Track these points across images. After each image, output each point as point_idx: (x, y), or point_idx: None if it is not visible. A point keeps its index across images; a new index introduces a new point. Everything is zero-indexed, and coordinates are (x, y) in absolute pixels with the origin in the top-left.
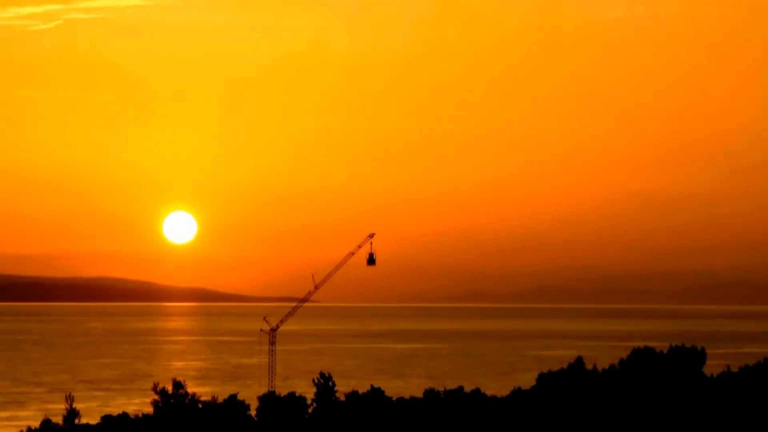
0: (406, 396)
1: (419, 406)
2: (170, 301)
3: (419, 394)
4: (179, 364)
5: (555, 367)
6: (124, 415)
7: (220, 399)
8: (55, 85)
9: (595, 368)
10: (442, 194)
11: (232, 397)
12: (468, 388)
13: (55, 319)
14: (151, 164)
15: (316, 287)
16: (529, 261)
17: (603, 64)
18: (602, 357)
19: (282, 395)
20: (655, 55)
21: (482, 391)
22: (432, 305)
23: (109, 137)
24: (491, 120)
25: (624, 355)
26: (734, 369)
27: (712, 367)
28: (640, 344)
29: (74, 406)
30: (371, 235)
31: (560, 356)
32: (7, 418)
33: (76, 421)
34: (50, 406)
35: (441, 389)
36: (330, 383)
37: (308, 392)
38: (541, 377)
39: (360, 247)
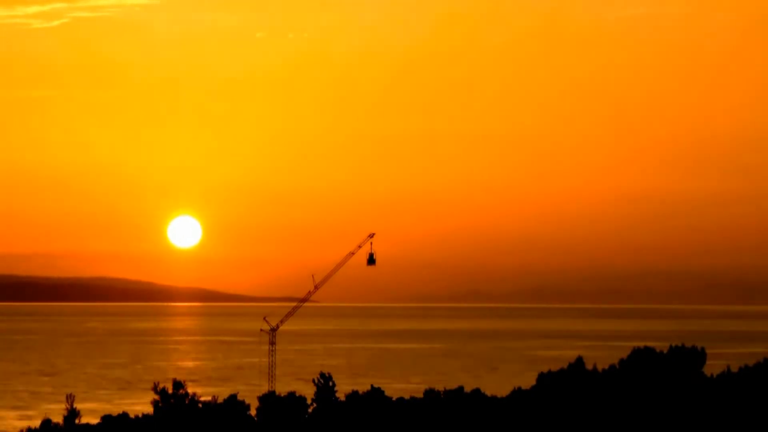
0: (406, 396)
1: (419, 406)
2: (170, 301)
3: (419, 394)
4: (179, 364)
5: (555, 367)
6: (124, 415)
7: (220, 399)
8: (61, 84)
9: (595, 368)
10: (443, 194)
11: (232, 397)
12: (468, 388)
13: (55, 319)
14: (151, 164)
15: (316, 287)
16: (529, 261)
17: (605, 64)
18: (602, 357)
19: (282, 395)
20: (657, 55)
21: (482, 391)
22: (432, 305)
23: (111, 136)
24: (492, 120)
25: (624, 355)
26: (734, 369)
27: (712, 367)
28: (640, 344)
29: (74, 406)
30: (371, 235)
31: (560, 356)
32: (8, 418)
33: (77, 421)
34: (50, 406)
35: (441, 389)
36: (330, 383)
37: (308, 392)
38: (541, 377)
39: (360, 247)
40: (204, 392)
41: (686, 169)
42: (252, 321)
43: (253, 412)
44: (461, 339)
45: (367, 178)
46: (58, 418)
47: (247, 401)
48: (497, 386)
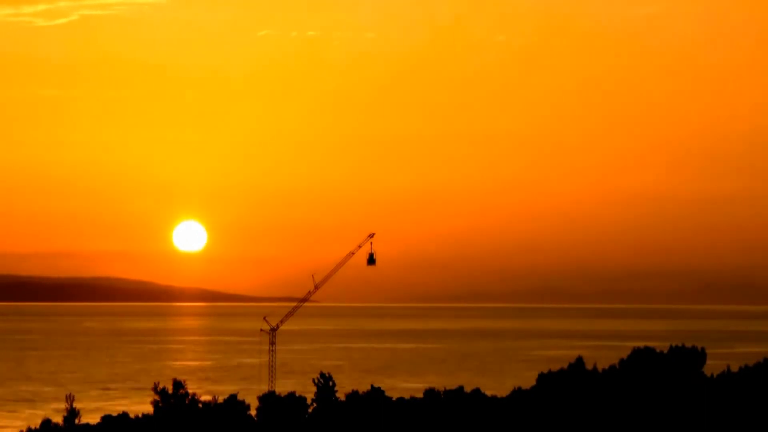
0: (406, 396)
1: (419, 406)
2: (170, 301)
3: (419, 394)
4: (179, 363)
5: (555, 367)
6: (124, 415)
7: (220, 399)
8: (67, 83)
9: (595, 368)
10: (443, 194)
11: (232, 397)
12: (468, 388)
13: (56, 319)
14: (151, 163)
15: (316, 287)
16: (529, 261)
17: (612, 63)
18: (602, 357)
19: (282, 395)
20: (660, 56)
21: (482, 391)
22: (432, 305)
23: (113, 136)
24: (492, 120)
25: (624, 355)
26: (734, 369)
27: (712, 367)
28: (640, 344)
29: (74, 405)
30: (371, 235)
31: (560, 356)
32: (8, 418)
33: (76, 421)
34: (50, 406)
35: (441, 389)
36: (330, 383)
37: (308, 392)
38: (541, 377)
39: (360, 247)
40: (204, 392)
41: (686, 169)
42: (252, 321)
43: (253, 412)
44: (461, 339)
45: (367, 178)
46: (58, 418)
47: (247, 401)
48: (497, 386)
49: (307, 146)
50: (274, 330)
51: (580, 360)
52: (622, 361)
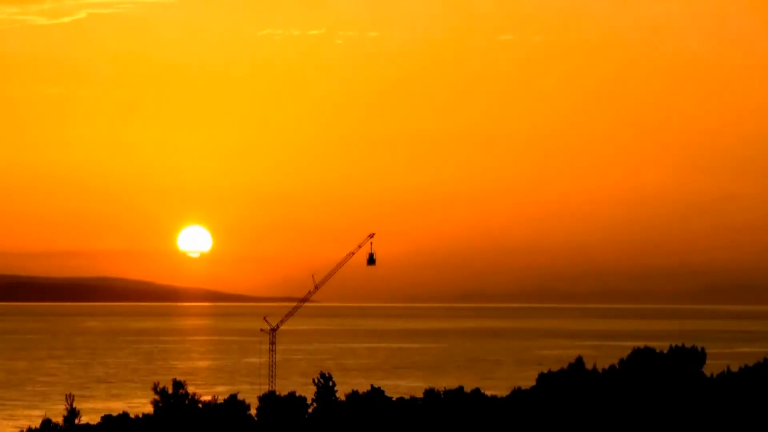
0: (406, 396)
1: (419, 406)
2: (171, 301)
3: (419, 394)
4: (179, 364)
5: (555, 367)
6: (124, 415)
7: (220, 399)
8: (72, 82)
9: (595, 368)
10: (443, 194)
11: (232, 397)
12: (468, 388)
13: (56, 319)
14: (152, 163)
15: (316, 287)
16: (529, 261)
17: (613, 65)
18: (602, 357)
19: (282, 395)
20: (666, 57)
21: (482, 391)
22: (432, 305)
23: (114, 136)
24: (496, 120)
25: (624, 355)
26: (734, 369)
27: (712, 367)
28: (640, 344)
29: (74, 406)
30: (371, 235)
31: (560, 356)
32: (8, 418)
33: (77, 421)
34: (50, 406)
35: (441, 389)
36: (330, 383)
37: (308, 392)
38: (541, 377)
39: (360, 247)
40: (204, 392)
41: (686, 170)
42: (252, 321)
43: (253, 412)
44: (461, 339)
45: (367, 178)
46: (58, 418)
47: (247, 401)
48: (497, 386)
49: (308, 146)
50: (274, 330)
51: (580, 360)
52: (622, 361)
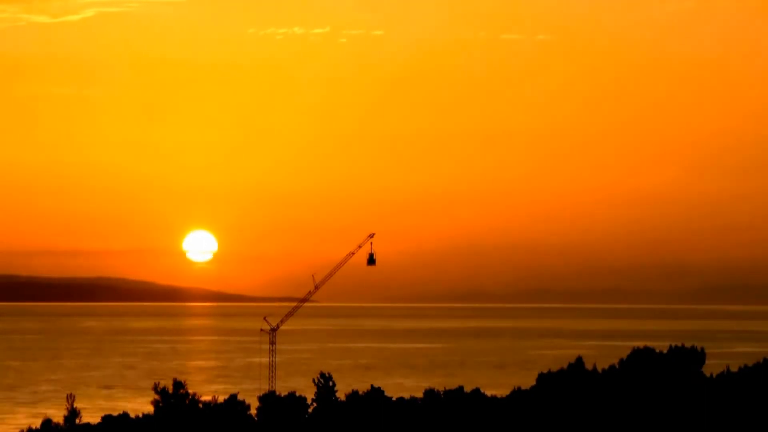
0: (406, 396)
1: (419, 406)
2: (170, 301)
3: (419, 394)
4: (179, 363)
5: (555, 367)
6: (125, 415)
7: (220, 399)
8: (78, 81)
9: (595, 368)
10: (443, 194)
11: (232, 397)
12: (468, 388)
13: (56, 318)
14: (151, 163)
15: (316, 287)
16: (529, 261)
17: (618, 65)
18: (602, 357)
19: (282, 395)
20: (671, 57)
21: (482, 391)
22: (432, 305)
23: (115, 135)
24: (500, 120)
25: (624, 355)
26: (734, 369)
27: (712, 367)
28: (640, 344)
29: (74, 406)
30: (371, 235)
31: (560, 356)
32: (8, 418)
33: (77, 421)
34: (50, 406)
35: (441, 389)
36: (330, 383)
37: (308, 392)
38: (541, 377)
39: (360, 247)
40: (204, 392)
41: (687, 170)
42: (252, 321)
43: (253, 412)
44: (461, 339)
45: (367, 178)
46: (58, 418)
47: (247, 401)
48: (497, 386)
49: (308, 146)
50: (274, 330)
51: (579, 360)
52: (621, 361)
